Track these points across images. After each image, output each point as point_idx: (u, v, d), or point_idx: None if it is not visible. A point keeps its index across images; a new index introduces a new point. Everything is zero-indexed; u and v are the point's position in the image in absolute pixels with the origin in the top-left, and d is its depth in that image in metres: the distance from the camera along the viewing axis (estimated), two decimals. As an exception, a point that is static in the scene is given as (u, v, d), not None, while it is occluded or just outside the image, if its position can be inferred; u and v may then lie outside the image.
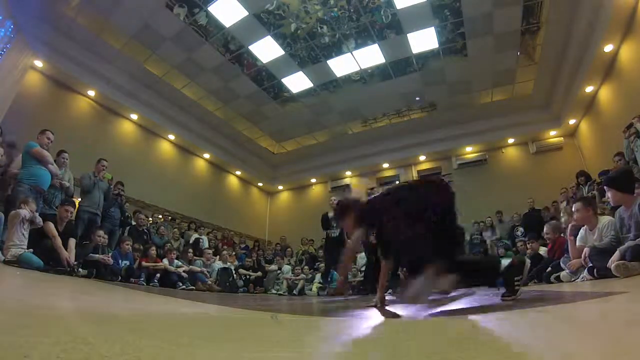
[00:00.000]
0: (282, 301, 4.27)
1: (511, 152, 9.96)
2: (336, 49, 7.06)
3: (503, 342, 0.83)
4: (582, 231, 3.47)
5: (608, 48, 6.09)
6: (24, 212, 3.60)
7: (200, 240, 7.41)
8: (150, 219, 7.61)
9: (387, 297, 4.21)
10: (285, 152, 11.37)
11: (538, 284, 4.29)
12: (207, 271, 6.25)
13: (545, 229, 4.89)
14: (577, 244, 3.48)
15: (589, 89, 7.28)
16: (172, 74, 7.80)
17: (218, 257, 7.10)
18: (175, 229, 7.54)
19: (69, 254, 3.94)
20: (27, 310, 1.11)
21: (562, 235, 5.07)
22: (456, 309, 2.13)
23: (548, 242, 4.85)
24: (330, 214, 5.95)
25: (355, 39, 6.81)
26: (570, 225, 3.51)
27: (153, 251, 5.64)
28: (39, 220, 3.80)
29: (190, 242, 7.33)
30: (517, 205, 7.92)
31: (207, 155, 10.55)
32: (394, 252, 2.36)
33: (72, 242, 4.12)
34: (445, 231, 2.00)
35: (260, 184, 12.66)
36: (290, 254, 8.77)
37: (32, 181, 4.16)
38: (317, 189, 12.41)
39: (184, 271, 5.65)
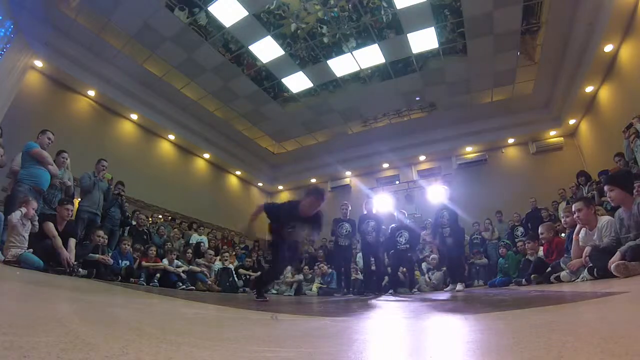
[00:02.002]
0: (282, 301, 4.27)
1: (511, 152, 9.96)
2: (336, 49, 7.05)
3: (502, 342, 0.83)
4: (582, 232, 3.47)
5: (608, 48, 6.09)
6: (16, 217, 3.58)
7: (202, 244, 7.40)
8: (150, 219, 7.61)
9: (387, 297, 4.21)
10: (285, 152, 11.37)
11: (539, 284, 4.29)
12: (207, 272, 6.25)
13: (540, 229, 4.89)
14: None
15: (589, 89, 7.29)
16: (172, 74, 7.80)
17: (219, 257, 7.10)
18: (176, 229, 7.53)
19: (69, 254, 3.94)
20: (27, 310, 1.11)
21: (560, 235, 5.07)
22: (456, 309, 2.13)
23: (543, 242, 4.85)
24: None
25: (355, 39, 6.81)
26: (578, 226, 3.51)
27: (153, 251, 5.64)
28: (36, 225, 3.79)
29: (190, 242, 7.33)
30: (517, 205, 7.92)
31: (207, 155, 10.55)
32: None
33: (72, 242, 4.12)
34: None
35: (260, 184, 12.66)
36: (290, 254, 8.75)
37: (31, 181, 4.17)
38: (317, 189, 12.38)
39: (183, 271, 5.64)
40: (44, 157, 4.32)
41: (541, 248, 5.04)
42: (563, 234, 5.04)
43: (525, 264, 5.13)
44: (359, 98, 8.64)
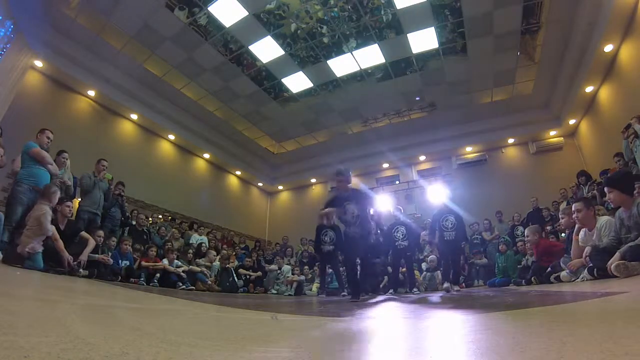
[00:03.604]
0: (282, 301, 4.27)
1: (511, 152, 9.96)
2: (336, 49, 7.06)
3: (502, 342, 0.83)
4: (581, 232, 3.47)
5: (608, 48, 6.09)
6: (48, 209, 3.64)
7: (203, 244, 7.40)
8: (150, 219, 7.61)
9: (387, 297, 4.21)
10: (285, 152, 11.37)
11: (538, 284, 4.29)
12: (207, 272, 6.25)
13: (526, 232, 4.87)
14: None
15: (589, 89, 7.29)
16: (172, 74, 7.80)
17: (218, 257, 7.10)
18: (175, 229, 7.53)
19: (83, 255, 4.07)
20: (27, 310, 1.11)
21: (560, 235, 5.07)
22: (456, 309, 2.13)
23: (529, 245, 4.83)
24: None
25: (355, 39, 6.81)
26: (577, 226, 3.51)
27: (153, 251, 5.64)
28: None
29: (190, 242, 7.33)
30: (517, 205, 7.92)
31: (207, 155, 10.55)
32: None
33: (90, 246, 4.24)
34: None
35: (260, 184, 12.67)
36: (290, 253, 8.77)
37: (31, 181, 4.15)
38: (317, 189, 12.41)
39: (183, 271, 5.65)
40: (43, 157, 4.30)
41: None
42: (563, 234, 5.04)
43: (524, 270, 5.13)
44: (359, 98, 8.64)
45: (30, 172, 4.19)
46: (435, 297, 4.01)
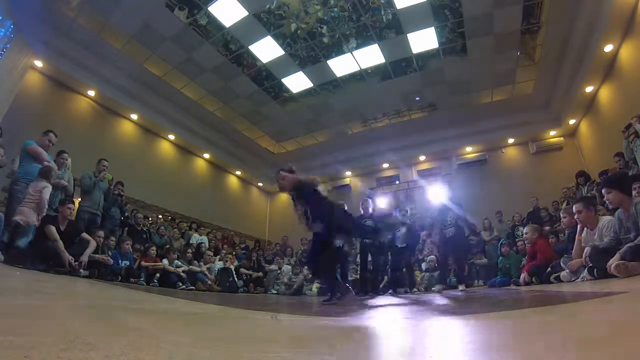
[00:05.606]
0: (282, 301, 4.27)
1: (511, 152, 9.96)
2: (336, 49, 7.05)
3: (502, 342, 0.83)
4: (584, 232, 3.47)
5: (608, 48, 6.09)
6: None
7: (202, 244, 7.40)
8: (150, 219, 7.60)
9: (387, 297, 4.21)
10: (285, 152, 11.37)
11: (538, 284, 4.29)
12: (206, 272, 6.25)
13: (525, 229, 4.87)
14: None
15: (589, 89, 7.28)
16: (172, 74, 7.80)
17: (218, 257, 7.11)
18: (175, 229, 7.53)
19: (84, 257, 4.07)
20: (27, 311, 1.11)
21: (560, 236, 5.05)
22: (456, 309, 2.14)
23: (527, 242, 4.82)
24: None
25: (355, 38, 6.81)
26: (579, 226, 3.51)
27: (153, 251, 5.64)
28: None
29: (190, 242, 7.33)
30: (517, 205, 7.92)
31: (207, 155, 10.55)
32: None
33: (91, 247, 4.25)
34: None
35: (260, 184, 12.67)
36: (290, 253, 8.77)
37: (28, 179, 4.14)
38: (317, 189, 12.38)
39: (183, 271, 5.64)
40: (39, 154, 4.29)
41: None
42: (562, 235, 5.03)
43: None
44: (359, 98, 8.64)
45: (26, 170, 4.19)
46: (435, 297, 4.01)
